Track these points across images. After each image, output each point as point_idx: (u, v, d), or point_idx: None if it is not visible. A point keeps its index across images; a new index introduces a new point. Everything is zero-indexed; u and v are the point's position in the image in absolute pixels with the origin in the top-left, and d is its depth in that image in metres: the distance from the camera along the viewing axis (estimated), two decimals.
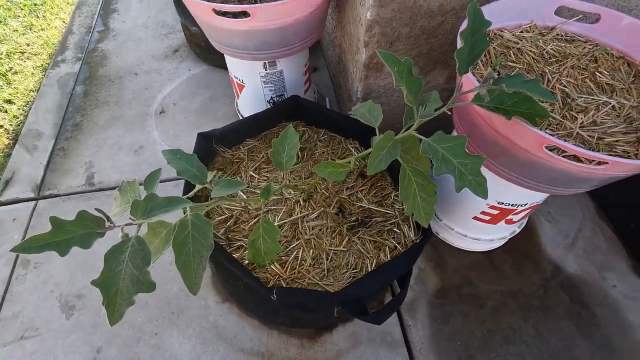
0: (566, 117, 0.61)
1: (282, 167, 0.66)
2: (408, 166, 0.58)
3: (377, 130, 0.62)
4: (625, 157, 0.57)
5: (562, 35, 0.75)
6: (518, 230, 0.95)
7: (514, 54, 0.71)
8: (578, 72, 0.69)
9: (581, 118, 0.60)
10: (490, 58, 0.70)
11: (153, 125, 1.30)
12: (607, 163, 0.51)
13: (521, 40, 0.73)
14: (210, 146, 0.91)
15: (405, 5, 0.77)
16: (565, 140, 0.58)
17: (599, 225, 1.04)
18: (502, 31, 0.75)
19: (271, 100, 1.09)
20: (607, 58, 0.71)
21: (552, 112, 0.62)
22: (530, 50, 0.72)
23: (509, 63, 0.69)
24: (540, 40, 0.73)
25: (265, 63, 0.98)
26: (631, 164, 0.51)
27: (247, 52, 0.89)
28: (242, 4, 0.82)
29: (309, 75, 1.12)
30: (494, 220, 0.84)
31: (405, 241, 0.75)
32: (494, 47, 0.72)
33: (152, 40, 1.62)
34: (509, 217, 0.82)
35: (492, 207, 0.80)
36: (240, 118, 1.25)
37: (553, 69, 0.69)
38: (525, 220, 0.96)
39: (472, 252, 0.98)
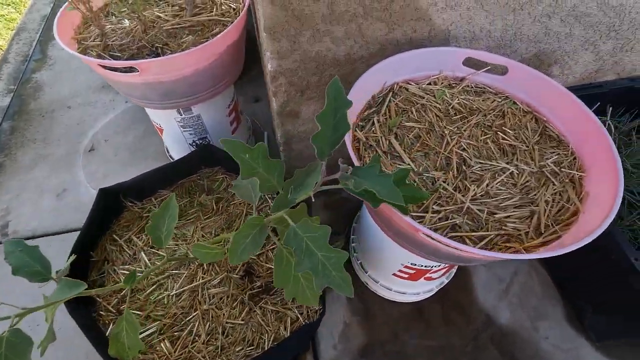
0: (459, 188, 0.57)
1: (161, 243, 0.61)
2: (287, 248, 0.53)
3: (254, 208, 0.57)
4: (515, 234, 0.53)
5: (472, 87, 0.71)
6: (447, 281, 0.91)
7: (416, 111, 0.67)
8: (481, 131, 0.64)
9: (474, 189, 0.56)
10: (389, 117, 0.65)
11: (81, 165, 1.23)
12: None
13: (427, 94, 0.69)
14: (116, 201, 0.85)
15: (307, 56, 0.72)
16: (452, 218, 0.54)
17: (534, 268, 1.00)
18: (408, 84, 0.71)
19: (194, 144, 1.04)
20: (515, 113, 0.67)
21: (445, 181, 0.58)
22: (435, 106, 0.67)
23: (408, 123, 0.65)
24: (447, 94, 0.69)
25: (179, 109, 0.92)
26: (478, 254, 0.47)
27: (151, 102, 0.84)
28: (136, 58, 0.77)
29: (236, 115, 1.07)
30: (413, 277, 0.80)
31: (308, 311, 0.70)
32: (396, 103, 0.67)
33: (90, 69, 1.55)
34: (428, 275, 0.78)
35: (407, 267, 0.75)
36: (169, 159, 1.20)
37: (455, 128, 0.64)
38: (454, 271, 0.92)
39: (401, 303, 0.93)
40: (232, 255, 0.49)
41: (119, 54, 0.79)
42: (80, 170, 1.22)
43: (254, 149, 0.47)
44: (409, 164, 0.59)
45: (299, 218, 0.56)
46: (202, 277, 0.76)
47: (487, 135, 0.63)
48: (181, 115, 0.94)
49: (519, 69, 0.67)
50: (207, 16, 0.85)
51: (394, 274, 0.81)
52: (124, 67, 0.72)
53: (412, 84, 0.71)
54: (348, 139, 0.55)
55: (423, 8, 0.68)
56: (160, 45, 0.80)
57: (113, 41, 0.81)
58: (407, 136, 0.63)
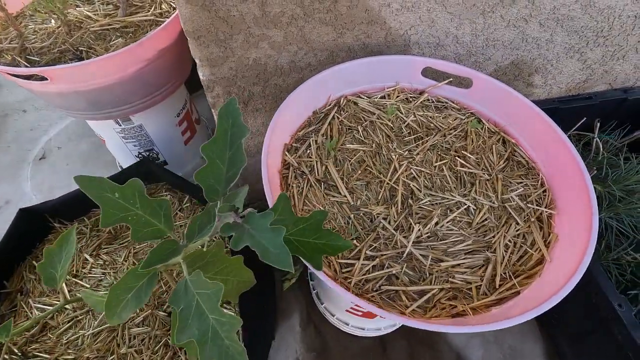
0: (402, 226, 0.47)
1: (56, 283, 0.52)
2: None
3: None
4: (464, 289, 0.43)
5: (432, 102, 0.62)
6: None
7: (363, 130, 0.57)
8: (437, 156, 0.55)
9: (419, 229, 0.47)
10: (329, 137, 0.56)
11: (28, 175, 1.14)
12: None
13: (379, 110, 0.59)
14: (39, 223, 0.76)
15: (244, 63, 0.63)
16: (389, 266, 0.44)
17: None
18: (358, 97, 0.61)
19: (140, 155, 0.95)
20: (480, 133, 0.58)
21: (385, 218, 0.48)
22: (386, 124, 0.58)
23: (352, 145, 0.55)
24: (402, 109, 0.59)
25: (116, 119, 0.83)
26: (402, 322, 0.37)
27: (79, 112, 0.75)
28: (56, 63, 0.67)
29: (190, 124, 0.98)
30: (367, 315, 0.70)
31: None
32: (340, 120, 0.58)
33: None
34: None
35: (358, 306, 0.66)
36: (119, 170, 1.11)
37: (406, 151, 0.55)
38: None
39: (363, 337, 0.84)
40: (108, 314, 0.40)
41: (37, 59, 0.70)
42: (27, 181, 1.13)
43: (126, 187, 0.37)
44: (345, 196, 0.49)
45: (209, 262, 0.47)
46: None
47: (444, 161, 0.54)
48: (120, 125, 0.85)
49: (485, 82, 0.58)
50: (143, 16, 0.76)
51: (348, 311, 0.71)
52: (32, 75, 0.63)
53: (363, 97, 0.61)
54: (266, 166, 0.46)
55: (374, 9, 0.59)
56: (85, 49, 0.71)
57: (32, 44, 0.71)
58: (349, 161, 0.53)
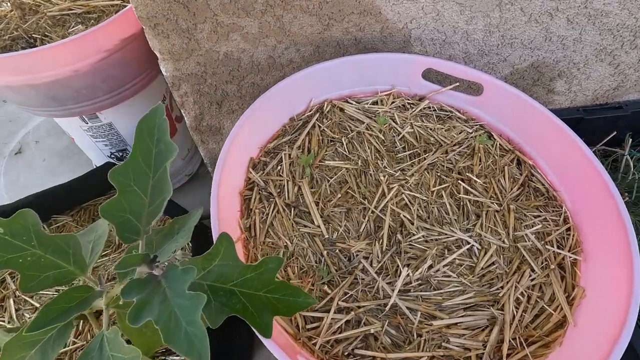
0: (387, 269, 0.38)
1: None
2: None
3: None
4: (462, 358, 0.34)
5: (434, 110, 0.52)
6: None
7: (348, 142, 0.47)
8: (437, 178, 0.45)
9: (408, 273, 0.37)
10: (307, 150, 0.46)
11: (2, 170, 1.07)
12: None
13: (369, 118, 0.50)
14: None
15: (213, 58, 0.54)
16: (366, 322, 0.35)
17: None
18: (346, 101, 0.51)
19: (113, 157, 0.87)
20: (490, 150, 0.48)
21: (367, 257, 0.38)
22: (376, 136, 0.48)
23: (333, 161, 0.45)
24: (397, 118, 0.49)
25: (81, 116, 0.74)
26: None
27: (35, 108, 0.66)
28: (7, 51, 0.59)
29: (170, 121, 0.89)
30: None
31: None
32: (322, 130, 0.48)
33: None
34: None
35: None
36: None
37: (398, 171, 0.45)
38: None
39: None
40: None
41: None
42: (1, 176, 1.06)
43: (14, 218, 0.28)
44: (318, 226, 0.40)
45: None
46: (74, 341, 0.59)
47: (444, 185, 0.44)
48: (87, 123, 0.76)
49: (499, 88, 0.47)
50: (109, 0, 0.67)
51: None
52: None
53: (351, 102, 0.51)
54: (217, 187, 0.36)
55: None
56: (40, 36, 0.62)
57: None
58: (328, 181, 0.44)
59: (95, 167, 1.03)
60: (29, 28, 0.62)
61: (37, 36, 0.62)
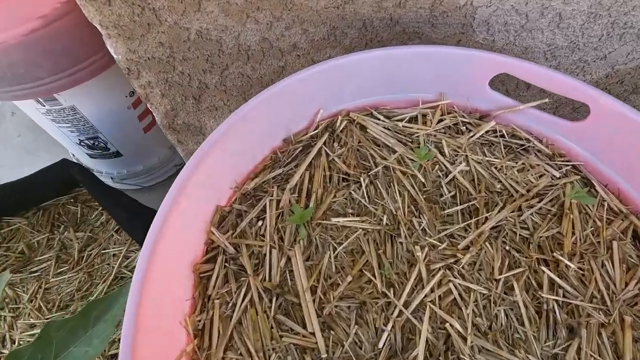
0: None
1: None
2: None
3: None
4: None
5: (503, 136, 0.34)
6: None
7: (369, 184, 0.31)
8: (505, 257, 0.29)
9: None
10: (304, 192, 0.30)
11: None
12: None
13: (401, 143, 0.33)
14: None
15: (180, 37, 0.37)
16: None
17: None
18: (370, 115, 0.35)
19: (83, 144, 0.72)
20: (589, 211, 0.31)
21: None
22: (414, 176, 0.32)
23: (341, 216, 0.29)
24: (447, 148, 0.33)
25: (36, 98, 0.60)
26: None
27: None
28: None
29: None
30: None
31: None
32: (331, 160, 0.32)
33: None
34: None
35: None
36: (74, 160, 0.89)
37: (443, 239, 0.29)
38: None
39: None
40: None
41: None
42: None
43: None
44: (313, 334, 0.25)
45: None
46: None
47: (517, 271, 0.28)
48: (44, 106, 0.61)
49: (615, 114, 0.30)
50: None
51: None
52: None
53: (378, 116, 0.34)
54: (145, 264, 0.22)
55: None
56: None
57: None
58: (334, 249, 0.28)
59: (72, 154, 0.89)
60: None
61: None
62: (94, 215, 0.64)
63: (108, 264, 0.58)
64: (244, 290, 0.26)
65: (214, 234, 0.27)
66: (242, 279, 0.27)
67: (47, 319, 0.54)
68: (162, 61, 0.39)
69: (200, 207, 0.27)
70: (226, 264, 0.27)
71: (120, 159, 0.77)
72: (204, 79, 0.42)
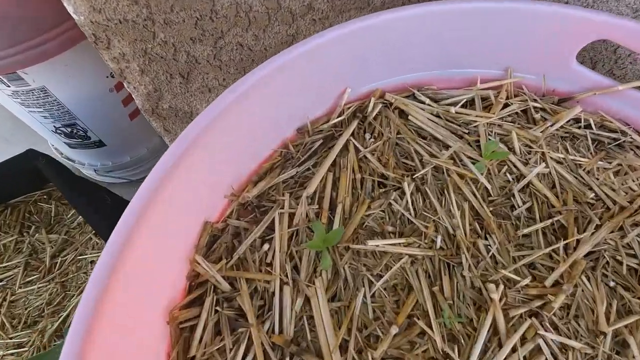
0: None
1: None
2: None
3: None
4: None
5: (590, 127, 0.26)
6: None
7: (417, 192, 0.23)
8: (609, 295, 0.21)
9: None
10: (327, 200, 0.22)
11: None
12: None
13: (459, 137, 0.25)
14: None
15: None
16: None
17: None
18: (412, 96, 0.26)
19: (59, 132, 0.63)
20: None
21: None
22: (475, 180, 0.23)
23: (380, 240, 0.21)
24: (517, 141, 0.24)
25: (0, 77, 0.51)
26: None
27: None
28: None
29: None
30: None
31: None
32: (362, 158, 0.23)
33: None
34: None
35: None
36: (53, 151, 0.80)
37: (522, 270, 0.21)
38: None
39: None
40: None
41: None
42: None
43: None
44: None
45: None
46: None
47: (631, 320, 0.20)
48: (9, 86, 0.52)
49: None
50: None
51: None
52: None
53: (423, 98, 0.26)
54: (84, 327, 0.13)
55: None
56: None
57: None
58: (369, 284, 0.20)
59: (50, 145, 0.81)
60: None
61: None
62: (70, 215, 0.55)
63: (85, 273, 0.50)
64: (243, 347, 0.18)
65: (199, 264, 0.19)
66: (241, 330, 0.18)
67: (11, 338, 0.46)
68: (138, 25, 0.31)
69: (179, 223, 0.19)
70: (217, 307, 0.19)
71: (103, 149, 0.69)
72: (192, 50, 0.33)
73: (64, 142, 0.67)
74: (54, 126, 0.63)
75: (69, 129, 0.64)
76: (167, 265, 0.18)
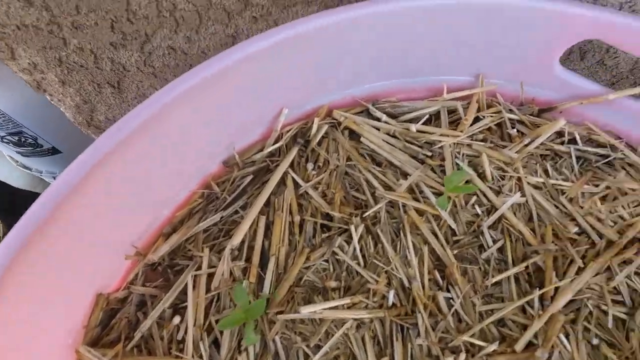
0: None
1: None
2: None
3: None
4: None
5: (573, 142, 0.22)
6: None
7: (367, 233, 0.19)
8: None
9: None
10: (258, 254, 0.18)
11: None
12: None
13: (419, 162, 0.20)
14: None
15: None
16: None
17: None
18: (367, 112, 0.22)
19: (6, 141, 0.58)
20: None
21: None
22: (435, 215, 0.19)
23: (322, 304, 0.17)
24: (488, 166, 0.20)
25: None
26: None
27: None
28: None
29: None
30: None
31: None
32: (303, 194, 0.19)
33: None
34: None
35: None
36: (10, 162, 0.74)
37: (490, 334, 0.17)
38: None
39: None
40: None
41: None
42: None
43: None
44: None
45: None
46: None
47: None
48: None
49: None
50: None
51: None
52: None
53: (378, 113, 0.22)
54: None
55: None
56: None
57: None
58: (301, 358, 0.17)
59: (8, 156, 0.75)
60: None
61: None
62: None
63: None
64: None
65: (84, 355, 0.15)
66: None
67: None
68: (42, 31, 0.26)
69: (56, 295, 0.15)
70: None
71: (59, 155, 0.63)
72: (116, 57, 0.29)
73: (15, 151, 0.62)
74: (0, 135, 0.58)
75: (16, 137, 0.59)
76: (41, 355, 0.14)
